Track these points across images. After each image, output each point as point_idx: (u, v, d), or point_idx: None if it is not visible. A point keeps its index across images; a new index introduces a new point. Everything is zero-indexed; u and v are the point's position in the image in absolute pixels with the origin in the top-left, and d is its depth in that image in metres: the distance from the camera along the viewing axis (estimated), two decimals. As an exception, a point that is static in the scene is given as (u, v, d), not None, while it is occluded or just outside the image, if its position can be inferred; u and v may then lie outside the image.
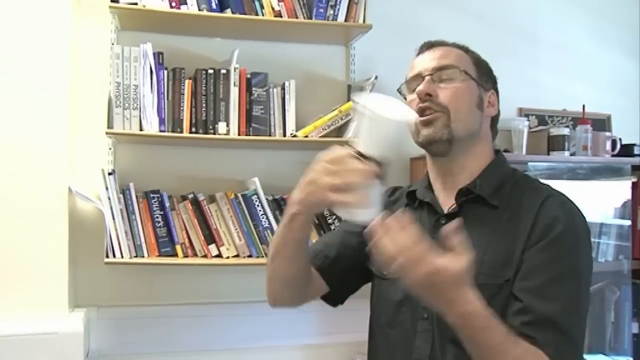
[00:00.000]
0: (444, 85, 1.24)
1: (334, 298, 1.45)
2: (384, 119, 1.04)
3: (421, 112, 1.23)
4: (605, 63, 2.84)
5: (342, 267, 1.37)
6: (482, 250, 1.13)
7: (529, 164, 2.36)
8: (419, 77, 1.26)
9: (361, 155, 1.06)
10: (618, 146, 2.43)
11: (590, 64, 2.81)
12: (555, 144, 2.41)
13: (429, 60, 1.27)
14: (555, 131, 2.40)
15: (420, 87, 1.23)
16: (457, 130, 1.22)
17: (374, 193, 1.06)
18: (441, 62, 1.25)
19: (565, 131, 2.39)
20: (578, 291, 1.13)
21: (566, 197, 1.23)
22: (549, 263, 1.12)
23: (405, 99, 1.30)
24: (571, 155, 2.41)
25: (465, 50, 1.31)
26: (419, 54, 1.32)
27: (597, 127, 2.56)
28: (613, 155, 2.44)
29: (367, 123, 1.07)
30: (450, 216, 1.24)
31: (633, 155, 2.46)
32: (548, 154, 2.43)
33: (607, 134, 2.48)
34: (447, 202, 1.28)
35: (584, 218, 1.20)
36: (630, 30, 2.89)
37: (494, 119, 1.33)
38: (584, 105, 2.47)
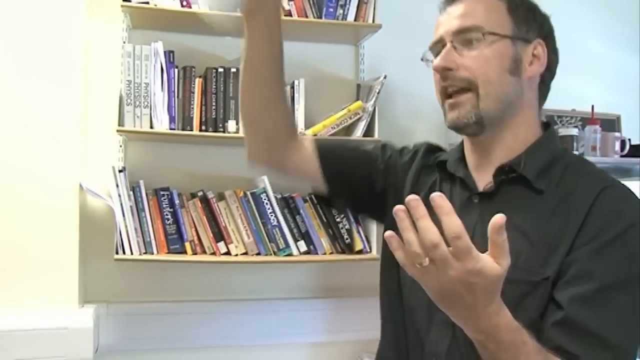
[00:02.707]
0: (466, 52, 1.03)
1: (328, 198, 1.25)
2: None
3: (445, 92, 1.05)
4: (616, 63, 2.83)
5: (351, 172, 1.20)
6: (519, 240, 0.97)
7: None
8: (441, 42, 1.06)
9: None
10: (627, 147, 2.42)
11: (600, 64, 2.80)
12: (563, 144, 2.38)
13: (451, 19, 1.06)
14: (563, 131, 2.40)
15: (437, 61, 1.04)
16: (487, 109, 1.03)
17: None
18: (464, 22, 1.04)
19: (574, 131, 2.39)
20: (636, 303, 0.92)
21: (629, 189, 1.01)
22: (606, 267, 0.92)
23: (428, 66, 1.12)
24: (580, 155, 2.41)
25: None
26: (442, 7, 1.11)
27: (606, 127, 2.56)
28: (622, 156, 2.44)
29: None
30: (485, 195, 1.06)
31: (642, 156, 2.45)
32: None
33: (616, 134, 2.48)
34: (482, 178, 1.08)
35: None
36: (637, 27, 2.88)
37: (544, 77, 1.09)
38: (592, 106, 2.47)
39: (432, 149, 1.26)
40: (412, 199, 0.74)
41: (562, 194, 1.00)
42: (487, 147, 1.08)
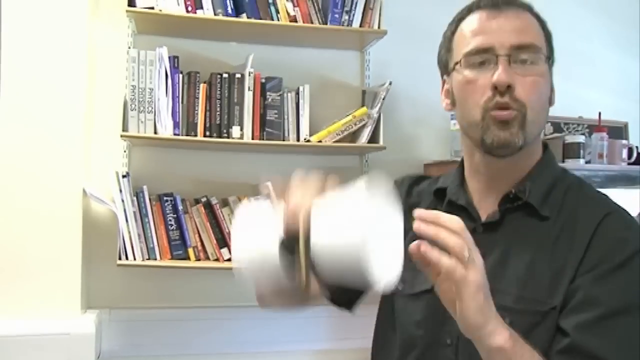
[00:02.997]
0: (522, 71, 0.97)
1: (340, 304, 1.23)
2: (368, 280, 0.72)
3: (498, 105, 0.97)
4: (623, 70, 2.81)
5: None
6: (525, 270, 0.96)
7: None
8: (491, 52, 0.98)
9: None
10: (635, 154, 2.40)
11: (607, 71, 2.79)
12: (570, 151, 2.38)
13: (505, 32, 0.98)
14: (570, 139, 2.38)
15: (500, 75, 0.95)
16: (531, 134, 0.98)
17: None
18: (523, 38, 0.98)
19: (581, 139, 2.37)
20: None
21: (630, 215, 1.00)
22: (610, 294, 0.90)
23: (445, 76, 1.08)
24: (586, 163, 2.38)
25: (534, 12, 1.04)
26: (478, 10, 1.03)
27: (613, 135, 2.53)
28: (629, 164, 2.41)
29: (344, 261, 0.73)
30: (488, 225, 1.02)
31: (651, 164, 2.43)
32: (563, 162, 2.41)
33: (624, 141, 2.45)
34: (484, 206, 1.04)
35: None
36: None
37: None
38: (600, 113, 2.45)
39: (415, 182, 1.21)
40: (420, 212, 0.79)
41: (565, 220, 0.99)
42: (500, 171, 1.03)
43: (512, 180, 1.03)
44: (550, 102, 1.04)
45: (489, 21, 1.00)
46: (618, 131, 2.66)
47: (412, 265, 0.82)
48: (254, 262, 0.79)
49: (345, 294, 1.14)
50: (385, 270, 0.76)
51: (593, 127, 2.51)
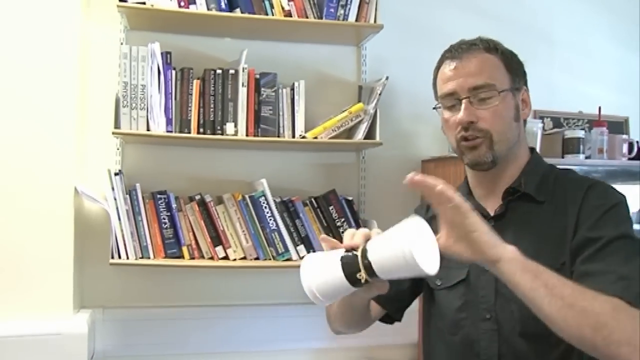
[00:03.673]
0: (482, 107, 1.23)
1: (392, 318, 1.47)
2: (420, 269, 0.93)
3: (464, 137, 1.26)
4: (624, 65, 2.78)
5: (396, 289, 1.30)
6: (534, 244, 1.17)
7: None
8: (455, 96, 1.26)
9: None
10: (635, 149, 2.37)
11: (607, 66, 2.75)
12: (570, 146, 2.35)
13: (463, 77, 1.25)
14: (570, 134, 2.34)
15: (461, 116, 1.23)
16: (499, 151, 1.25)
17: None
18: (477, 80, 1.24)
19: (580, 134, 2.33)
20: (636, 250, 1.13)
21: (608, 184, 1.24)
22: (606, 230, 1.14)
23: (440, 114, 1.32)
24: (586, 158, 2.35)
25: (494, 49, 1.28)
26: (446, 59, 1.30)
27: (613, 129, 2.50)
28: (629, 159, 2.38)
29: (398, 259, 0.94)
30: (497, 218, 1.27)
31: (651, 159, 2.39)
32: (562, 157, 2.37)
33: (624, 136, 2.41)
34: (491, 205, 1.30)
35: (626, 201, 1.22)
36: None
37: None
38: (599, 108, 2.41)
39: (428, 208, 1.43)
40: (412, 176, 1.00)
41: (558, 200, 1.24)
42: (494, 177, 1.30)
43: (509, 180, 1.29)
44: (518, 117, 1.29)
45: (451, 70, 1.28)
46: (618, 126, 2.62)
47: (446, 263, 1.02)
48: (320, 276, 0.99)
49: (394, 300, 1.39)
50: (430, 262, 0.96)
51: (593, 122, 2.47)
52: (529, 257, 1.07)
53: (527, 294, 1.02)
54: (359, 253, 0.97)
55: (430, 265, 0.95)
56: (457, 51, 1.29)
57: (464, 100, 1.24)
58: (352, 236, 1.04)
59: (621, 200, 1.21)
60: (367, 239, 1.01)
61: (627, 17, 2.78)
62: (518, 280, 1.02)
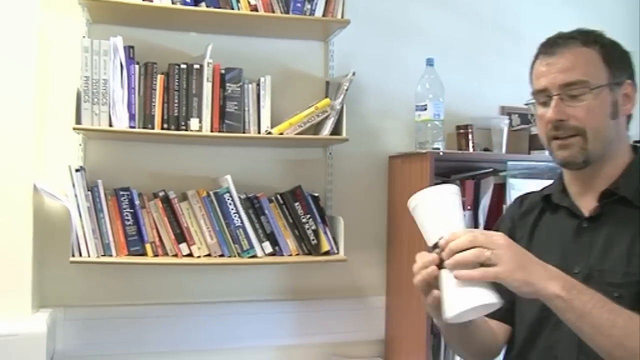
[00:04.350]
0: (574, 103, 1.18)
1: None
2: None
3: (555, 136, 1.21)
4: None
5: (510, 300, 1.28)
6: (627, 251, 1.14)
7: (509, 163, 2.32)
8: (546, 93, 1.21)
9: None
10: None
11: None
12: (536, 143, 2.37)
13: (555, 73, 1.20)
14: (536, 130, 2.36)
15: (550, 113, 1.19)
16: (593, 150, 1.19)
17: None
18: (569, 76, 1.19)
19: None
20: None
21: None
22: None
23: (533, 112, 1.28)
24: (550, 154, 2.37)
25: (593, 42, 1.22)
26: (541, 54, 1.25)
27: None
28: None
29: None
30: (592, 219, 1.22)
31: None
32: (529, 153, 2.39)
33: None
34: (586, 205, 1.25)
35: None
36: (616, 28, 2.85)
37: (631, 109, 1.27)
38: (565, 104, 2.43)
39: (524, 196, 1.44)
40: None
41: None
42: (589, 177, 1.24)
43: (607, 181, 1.22)
44: (616, 114, 1.22)
45: (543, 66, 1.23)
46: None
47: None
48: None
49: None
50: None
51: (559, 119, 2.49)
52: (621, 264, 1.12)
53: (575, 331, 1.05)
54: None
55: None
56: (552, 46, 1.24)
57: (554, 97, 1.19)
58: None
59: None
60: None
61: (594, 13, 2.79)
62: (564, 319, 1.04)
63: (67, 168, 1.99)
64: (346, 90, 2.20)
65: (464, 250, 1.02)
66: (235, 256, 2.09)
